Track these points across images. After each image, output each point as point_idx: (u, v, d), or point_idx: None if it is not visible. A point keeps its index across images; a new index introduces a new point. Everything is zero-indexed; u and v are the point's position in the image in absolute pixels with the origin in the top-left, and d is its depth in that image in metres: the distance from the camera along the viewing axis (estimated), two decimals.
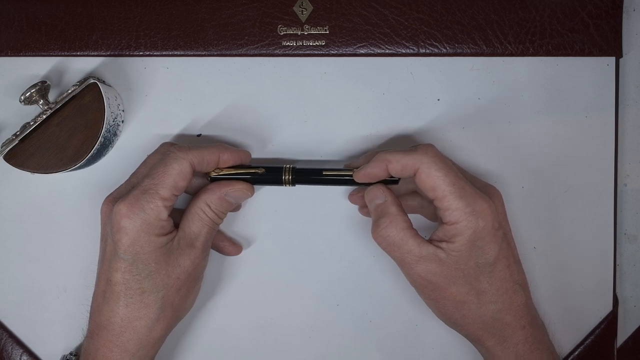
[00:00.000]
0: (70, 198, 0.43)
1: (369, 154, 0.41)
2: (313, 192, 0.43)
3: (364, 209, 0.43)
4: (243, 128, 0.43)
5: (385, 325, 0.44)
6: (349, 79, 0.43)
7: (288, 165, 0.40)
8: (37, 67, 0.43)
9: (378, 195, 0.39)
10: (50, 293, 0.43)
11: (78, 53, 0.43)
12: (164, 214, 0.37)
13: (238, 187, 0.40)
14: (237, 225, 0.43)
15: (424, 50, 0.42)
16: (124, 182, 0.40)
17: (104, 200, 0.39)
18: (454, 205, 0.36)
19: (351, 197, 0.42)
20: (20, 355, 0.43)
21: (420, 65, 0.43)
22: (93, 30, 0.43)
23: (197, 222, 0.39)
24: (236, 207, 0.43)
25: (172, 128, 0.43)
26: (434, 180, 0.36)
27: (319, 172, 0.40)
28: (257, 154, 0.43)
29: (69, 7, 0.43)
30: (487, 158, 0.43)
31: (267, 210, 0.43)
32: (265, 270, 0.44)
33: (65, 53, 0.43)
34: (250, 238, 0.44)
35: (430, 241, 0.37)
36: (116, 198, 0.38)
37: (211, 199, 0.39)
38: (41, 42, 0.43)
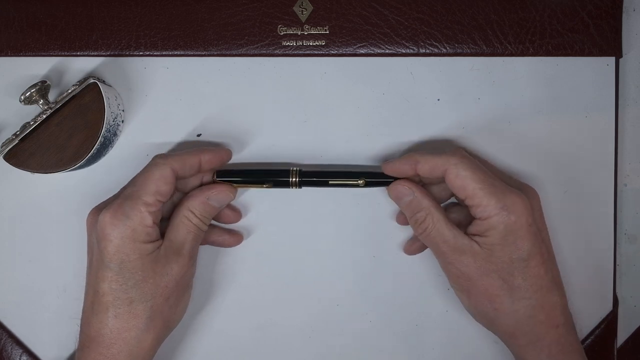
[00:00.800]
0: (70, 198, 0.43)
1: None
2: (313, 192, 0.43)
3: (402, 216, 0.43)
4: (243, 128, 0.43)
5: (386, 325, 0.44)
6: (349, 79, 0.43)
7: (295, 168, 0.41)
8: (37, 67, 0.43)
9: (405, 193, 0.39)
10: (50, 293, 0.43)
11: (78, 53, 0.43)
12: (149, 219, 0.37)
13: (219, 190, 0.40)
14: (238, 225, 0.43)
15: (424, 50, 0.42)
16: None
17: (90, 212, 0.39)
18: (485, 202, 0.36)
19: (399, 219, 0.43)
20: (20, 356, 0.43)
21: (420, 65, 0.43)
22: (93, 30, 0.43)
23: (182, 229, 0.39)
24: (236, 217, 0.43)
25: (172, 128, 0.43)
26: (463, 180, 0.37)
27: (325, 174, 0.41)
28: (257, 154, 0.43)
29: (69, 7, 0.43)
30: (487, 158, 0.43)
31: (267, 210, 0.43)
32: (265, 270, 0.43)
33: (65, 53, 0.43)
34: (250, 238, 0.43)
35: (466, 234, 0.38)
36: (101, 209, 0.38)
37: (194, 204, 0.39)
38: (41, 42, 0.43)
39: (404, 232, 0.43)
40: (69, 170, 0.41)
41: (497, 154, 0.43)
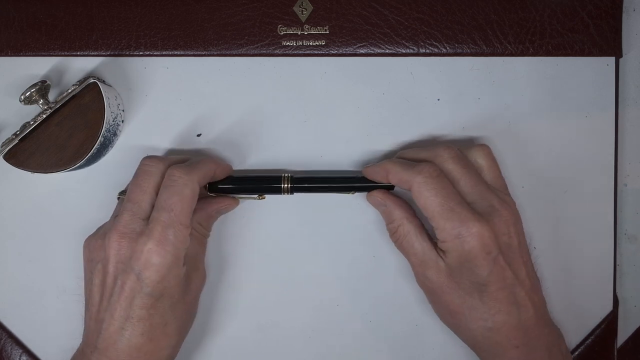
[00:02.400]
0: (70, 198, 0.43)
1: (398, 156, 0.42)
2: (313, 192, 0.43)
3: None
4: (243, 128, 0.43)
5: (386, 325, 0.44)
6: (349, 79, 0.43)
7: (286, 174, 0.41)
8: (37, 67, 0.43)
9: (379, 203, 0.40)
10: (50, 293, 0.43)
11: (78, 53, 0.43)
12: (188, 242, 0.37)
13: (227, 204, 0.41)
14: (237, 226, 0.43)
15: (424, 50, 0.42)
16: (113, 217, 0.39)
17: (94, 237, 0.38)
18: (441, 226, 0.36)
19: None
20: (20, 356, 0.43)
21: (420, 65, 0.43)
22: (93, 30, 0.43)
23: (194, 243, 0.39)
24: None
25: (172, 128, 0.43)
26: (424, 200, 0.37)
27: (317, 180, 0.41)
28: (257, 154, 0.43)
29: (69, 7, 0.43)
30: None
31: (267, 211, 0.43)
32: (265, 270, 0.43)
33: (65, 53, 0.43)
34: (250, 239, 0.43)
35: (437, 246, 0.38)
36: (101, 236, 0.38)
37: (202, 217, 0.40)
38: (41, 42, 0.43)
39: None
40: (69, 170, 0.41)
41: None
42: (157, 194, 0.38)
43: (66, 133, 0.40)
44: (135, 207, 0.37)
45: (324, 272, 0.43)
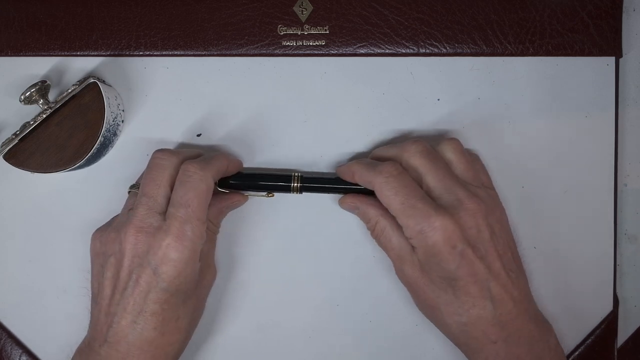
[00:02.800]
0: (70, 198, 0.43)
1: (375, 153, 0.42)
2: (313, 193, 0.43)
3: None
4: (243, 128, 0.43)
5: (386, 325, 0.43)
6: (349, 79, 0.43)
7: (297, 174, 0.41)
8: (37, 67, 0.43)
9: (350, 207, 0.41)
10: (50, 293, 0.43)
11: (78, 53, 0.43)
12: (205, 236, 0.37)
13: (237, 200, 0.42)
14: (237, 226, 0.43)
15: (424, 50, 0.42)
16: (125, 209, 0.39)
17: (105, 230, 0.38)
18: (405, 223, 0.37)
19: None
20: (20, 356, 0.43)
21: (420, 65, 0.43)
22: (93, 30, 0.43)
23: (206, 240, 0.39)
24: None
25: (172, 128, 0.43)
26: (387, 200, 0.37)
27: (326, 181, 0.41)
28: (257, 154, 0.43)
29: (69, 7, 0.43)
30: (487, 158, 0.43)
31: (267, 211, 0.43)
32: (265, 270, 0.43)
33: (65, 53, 0.43)
34: (250, 239, 0.43)
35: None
36: (105, 230, 0.38)
37: (213, 214, 0.40)
38: (41, 42, 0.43)
39: None
40: (69, 170, 0.41)
41: (497, 154, 0.43)
42: (171, 187, 0.38)
43: (66, 133, 0.40)
44: (150, 202, 0.37)
45: (324, 272, 0.43)
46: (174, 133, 0.43)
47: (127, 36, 0.43)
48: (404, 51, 0.42)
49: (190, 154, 0.40)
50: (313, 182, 0.41)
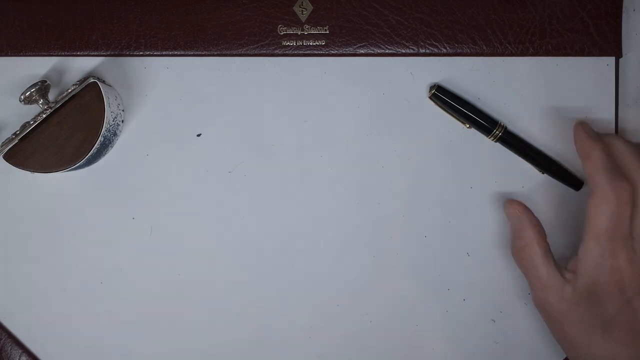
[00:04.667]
0: (70, 198, 0.43)
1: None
2: (313, 191, 0.43)
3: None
4: (243, 128, 0.43)
5: (386, 325, 0.43)
6: (349, 79, 0.43)
7: (502, 123, 0.42)
8: (37, 66, 0.43)
9: (514, 214, 0.40)
10: (50, 293, 0.43)
11: (78, 53, 0.43)
12: None
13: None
14: (238, 226, 0.43)
15: (424, 50, 0.42)
16: None
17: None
18: (590, 247, 0.35)
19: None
20: (20, 356, 0.43)
21: (420, 65, 0.43)
22: (93, 30, 0.43)
23: None
24: None
25: (172, 128, 0.43)
26: (594, 209, 0.36)
27: (525, 145, 0.42)
28: (257, 154, 0.43)
29: (69, 7, 0.43)
30: (487, 158, 0.43)
31: (267, 210, 0.43)
32: (265, 270, 0.43)
33: (65, 53, 0.43)
34: (249, 238, 0.43)
35: (563, 270, 0.37)
36: None
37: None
38: (41, 42, 0.43)
39: (404, 233, 0.43)
40: (69, 170, 0.41)
41: (496, 154, 0.43)
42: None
43: (66, 133, 0.40)
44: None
45: (324, 272, 0.43)
46: (174, 133, 0.43)
47: (127, 36, 0.43)
48: (404, 51, 0.43)
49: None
50: (513, 139, 0.42)
